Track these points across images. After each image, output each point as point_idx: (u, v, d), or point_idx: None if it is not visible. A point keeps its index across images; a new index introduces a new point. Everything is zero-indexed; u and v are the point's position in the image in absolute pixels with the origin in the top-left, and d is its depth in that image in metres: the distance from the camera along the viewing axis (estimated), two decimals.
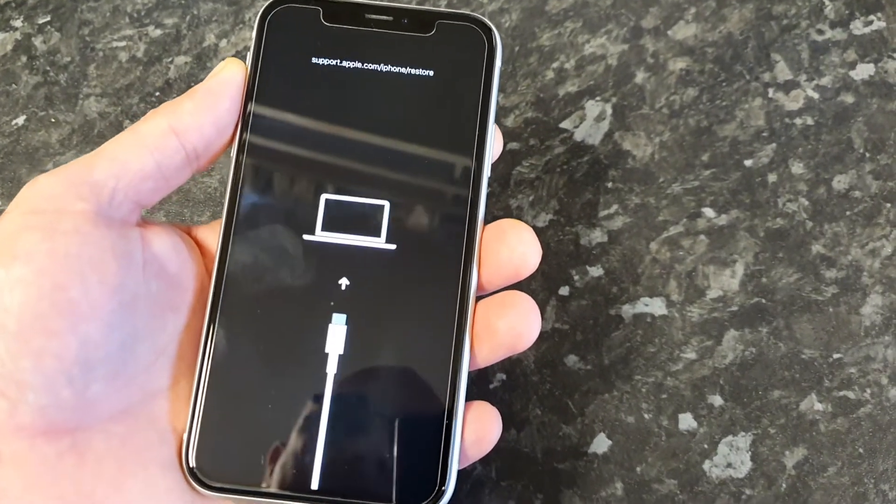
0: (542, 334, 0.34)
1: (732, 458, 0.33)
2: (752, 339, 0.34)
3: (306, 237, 0.26)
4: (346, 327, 0.26)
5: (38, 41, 0.39)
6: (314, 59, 0.27)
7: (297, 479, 0.25)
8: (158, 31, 0.39)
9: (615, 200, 0.36)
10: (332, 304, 0.26)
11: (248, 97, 0.27)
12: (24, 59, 0.39)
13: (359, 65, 0.27)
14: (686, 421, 0.33)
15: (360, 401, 0.25)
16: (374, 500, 0.25)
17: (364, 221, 0.27)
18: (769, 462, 0.32)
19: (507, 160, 0.37)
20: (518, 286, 0.35)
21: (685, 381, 0.34)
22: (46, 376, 0.23)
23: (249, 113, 0.27)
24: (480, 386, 0.34)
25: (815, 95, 0.37)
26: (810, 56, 0.38)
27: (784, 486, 0.32)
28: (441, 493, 0.25)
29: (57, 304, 0.23)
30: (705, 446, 0.33)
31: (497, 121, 0.37)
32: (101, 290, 0.24)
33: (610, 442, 0.33)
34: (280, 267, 0.26)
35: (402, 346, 0.26)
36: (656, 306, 0.35)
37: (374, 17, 0.28)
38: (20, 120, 0.38)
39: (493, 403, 0.33)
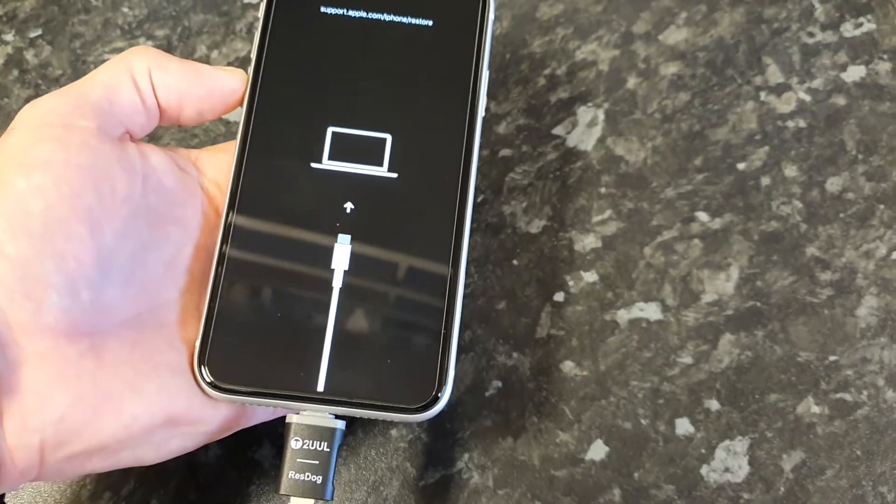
0: (537, 341, 0.34)
1: (730, 462, 0.32)
2: (748, 343, 0.34)
3: (314, 165, 0.29)
4: (350, 246, 0.28)
5: (29, 55, 0.39)
6: (322, 9, 0.30)
7: (303, 382, 0.27)
8: (150, 43, 0.39)
9: (608, 206, 0.36)
10: (337, 225, 0.28)
11: (261, 45, 0.30)
12: (15, 72, 0.39)
13: (364, 14, 0.30)
14: (683, 426, 0.33)
15: (363, 312, 0.28)
16: (375, 401, 0.27)
17: (368, 152, 0.29)
18: (767, 466, 0.32)
19: (499, 167, 0.37)
20: (511, 292, 0.35)
21: (681, 386, 0.33)
22: (69, 277, 0.25)
23: (263, 58, 0.30)
24: (476, 394, 0.33)
25: (807, 98, 0.37)
26: (801, 59, 0.38)
27: (782, 489, 0.32)
28: (437, 398, 0.27)
29: (76, 210, 0.25)
30: (703, 451, 0.33)
31: (489, 128, 0.37)
32: (112, 199, 0.26)
33: (607, 448, 0.33)
34: (290, 191, 0.29)
35: (401, 263, 0.28)
36: (651, 311, 0.34)
37: None
38: None
39: (489, 412, 0.33)
